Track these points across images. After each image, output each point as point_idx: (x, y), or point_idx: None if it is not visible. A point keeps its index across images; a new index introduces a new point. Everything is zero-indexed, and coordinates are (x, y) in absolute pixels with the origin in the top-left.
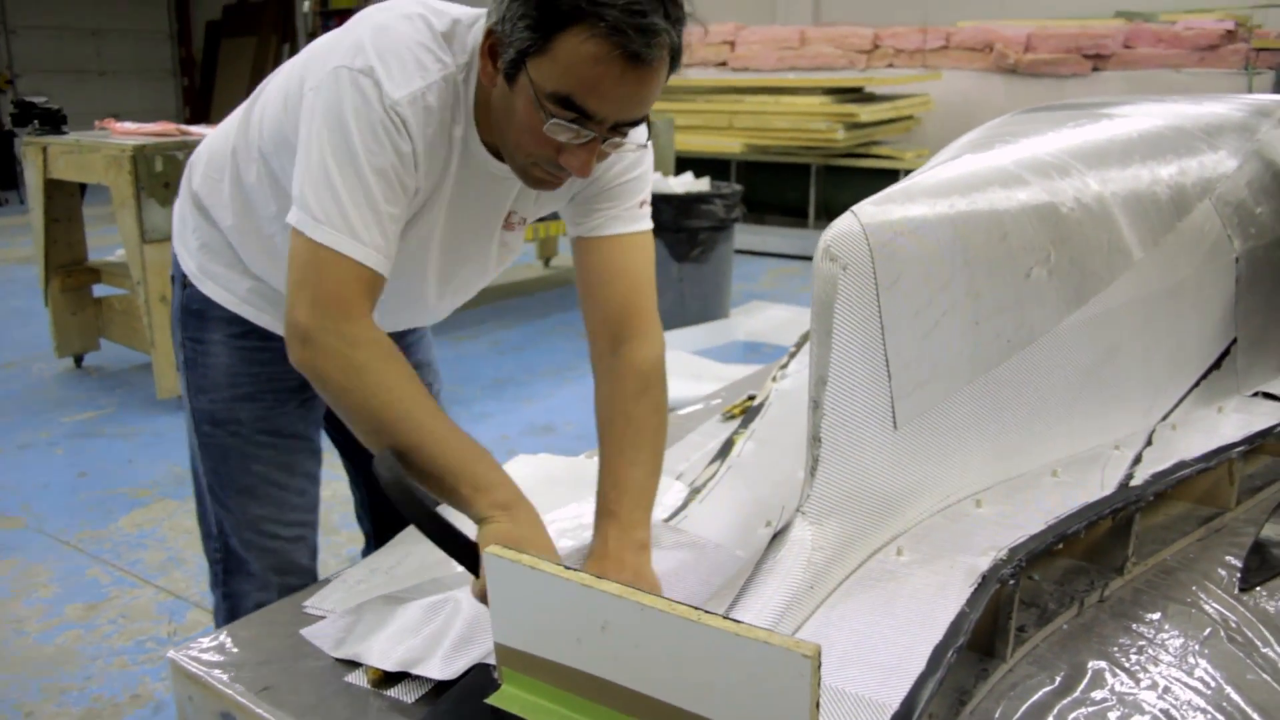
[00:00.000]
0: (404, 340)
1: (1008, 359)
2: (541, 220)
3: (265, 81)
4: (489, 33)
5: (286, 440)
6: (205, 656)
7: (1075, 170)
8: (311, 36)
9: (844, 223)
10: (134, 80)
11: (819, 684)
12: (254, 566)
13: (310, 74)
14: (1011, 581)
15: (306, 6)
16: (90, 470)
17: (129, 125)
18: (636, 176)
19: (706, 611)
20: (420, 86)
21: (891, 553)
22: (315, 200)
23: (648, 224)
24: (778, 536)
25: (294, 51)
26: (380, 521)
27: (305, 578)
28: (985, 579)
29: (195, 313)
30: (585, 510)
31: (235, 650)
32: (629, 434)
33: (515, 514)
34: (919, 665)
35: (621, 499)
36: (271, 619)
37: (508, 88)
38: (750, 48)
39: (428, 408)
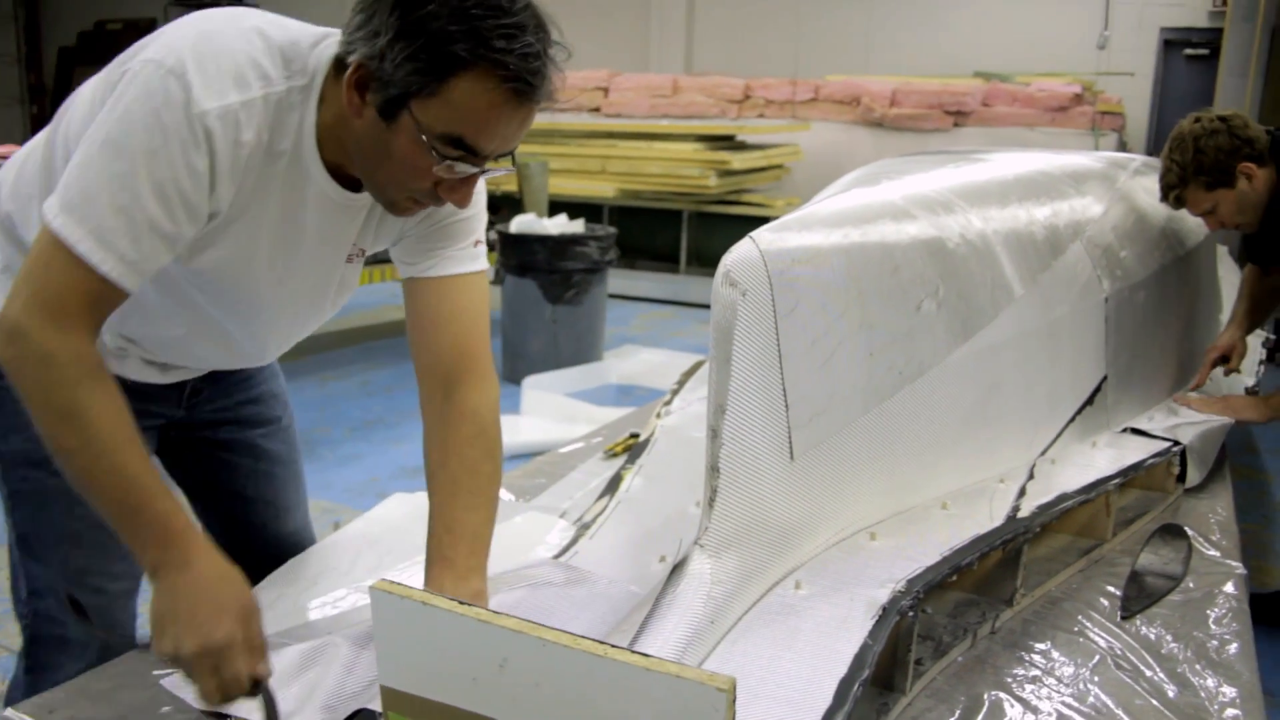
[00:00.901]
0: (244, 371)
1: (899, 391)
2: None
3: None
4: (359, 66)
5: None
6: (53, 715)
7: (959, 207)
8: None
9: (743, 248)
10: None
11: (734, 718)
12: (73, 630)
13: (127, 65)
14: (910, 614)
15: None
16: None
17: None
18: (471, 215)
19: (613, 645)
20: (236, 101)
21: (790, 586)
22: (76, 190)
23: (482, 263)
24: (676, 570)
25: None
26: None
27: (129, 639)
28: (885, 611)
29: None
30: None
31: (85, 704)
32: (464, 479)
33: (191, 560)
34: (825, 699)
35: (457, 545)
36: (128, 668)
37: (382, 124)
38: (624, 94)
39: (117, 437)
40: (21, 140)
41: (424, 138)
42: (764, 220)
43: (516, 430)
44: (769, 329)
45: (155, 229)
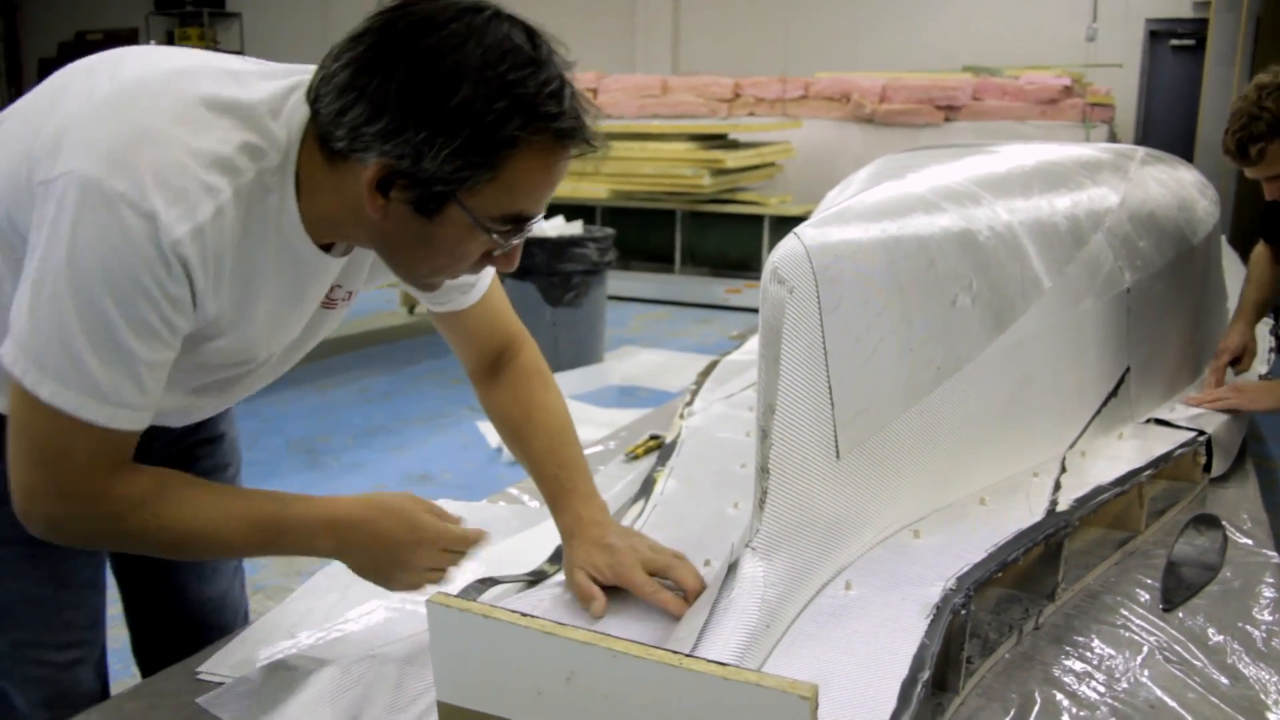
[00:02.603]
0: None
1: (938, 386)
2: None
3: None
4: (384, 167)
5: (50, 546)
6: None
7: (985, 200)
8: None
9: (789, 244)
10: None
11: None
12: (17, 700)
13: (41, 153)
14: (963, 612)
15: (153, 44)
16: None
17: None
18: None
19: (688, 655)
20: (209, 213)
21: (840, 587)
22: (48, 353)
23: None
24: (729, 574)
25: None
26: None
27: (90, 703)
28: (939, 610)
29: None
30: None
31: None
32: (552, 422)
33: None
34: (890, 702)
35: (575, 476)
36: (159, 688)
37: (420, 218)
38: (613, 95)
39: (222, 510)
40: None
41: (478, 223)
42: (758, 219)
43: None
44: (814, 326)
45: (151, 366)
